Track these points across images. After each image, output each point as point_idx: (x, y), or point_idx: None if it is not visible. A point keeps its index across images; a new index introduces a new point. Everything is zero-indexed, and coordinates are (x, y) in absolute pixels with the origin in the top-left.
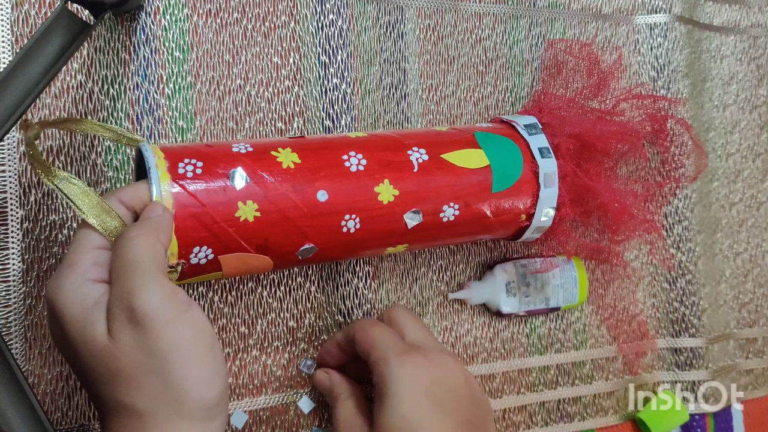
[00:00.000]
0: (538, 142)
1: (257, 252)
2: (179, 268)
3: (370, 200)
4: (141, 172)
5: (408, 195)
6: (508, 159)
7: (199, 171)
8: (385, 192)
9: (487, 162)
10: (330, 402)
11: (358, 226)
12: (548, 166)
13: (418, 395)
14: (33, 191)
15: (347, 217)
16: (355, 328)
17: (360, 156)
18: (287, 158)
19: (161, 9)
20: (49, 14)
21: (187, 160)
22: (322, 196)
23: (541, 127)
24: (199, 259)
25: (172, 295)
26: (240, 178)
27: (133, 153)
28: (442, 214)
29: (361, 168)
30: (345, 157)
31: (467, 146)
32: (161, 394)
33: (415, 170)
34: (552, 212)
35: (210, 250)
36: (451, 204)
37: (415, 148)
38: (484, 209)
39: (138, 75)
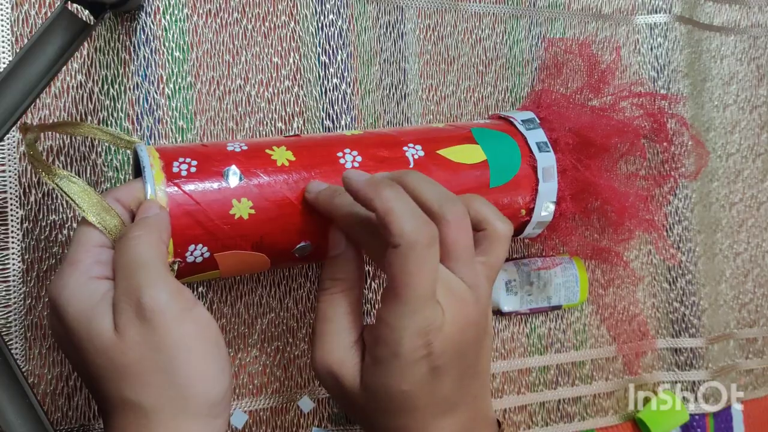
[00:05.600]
0: (535, 136)
1: (253, 249)
2: (176, 267)
3: None
4: (139, 173)
5: None
6: (506, 154)
7: (193, 170)
8: None
9: (484, 157)
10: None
11: None
12: (546, 160)
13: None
14: (33, 191)
15: None
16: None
17: (355, 153)
18: (282, 156)
19: (161, 9)
20: (49, 14)
21: (181, 159)
22: None
23: (538, 121)
24: (195, 258)
25: (178, 292)
26: (234, 176)
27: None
28: None
29: (356, 164)
30: (340, 154)
31: (464, 142)
32: (167, 391)
33: (411, 166)
34: (552, 206)
35: (206, 248)
36: None
37: (411, 145)
38: None
39: (138, 75)
